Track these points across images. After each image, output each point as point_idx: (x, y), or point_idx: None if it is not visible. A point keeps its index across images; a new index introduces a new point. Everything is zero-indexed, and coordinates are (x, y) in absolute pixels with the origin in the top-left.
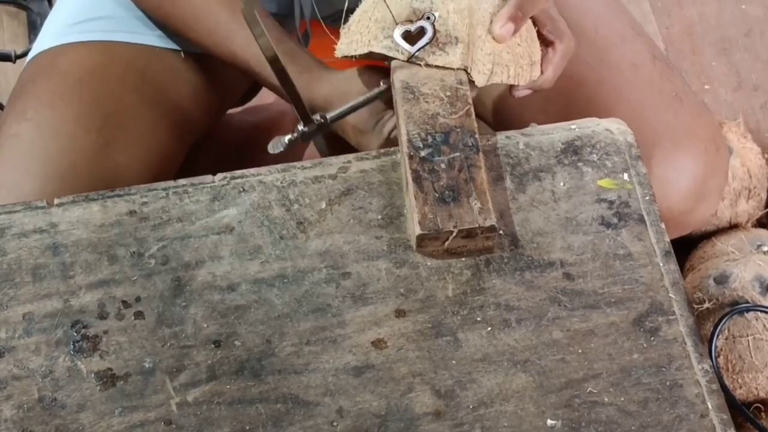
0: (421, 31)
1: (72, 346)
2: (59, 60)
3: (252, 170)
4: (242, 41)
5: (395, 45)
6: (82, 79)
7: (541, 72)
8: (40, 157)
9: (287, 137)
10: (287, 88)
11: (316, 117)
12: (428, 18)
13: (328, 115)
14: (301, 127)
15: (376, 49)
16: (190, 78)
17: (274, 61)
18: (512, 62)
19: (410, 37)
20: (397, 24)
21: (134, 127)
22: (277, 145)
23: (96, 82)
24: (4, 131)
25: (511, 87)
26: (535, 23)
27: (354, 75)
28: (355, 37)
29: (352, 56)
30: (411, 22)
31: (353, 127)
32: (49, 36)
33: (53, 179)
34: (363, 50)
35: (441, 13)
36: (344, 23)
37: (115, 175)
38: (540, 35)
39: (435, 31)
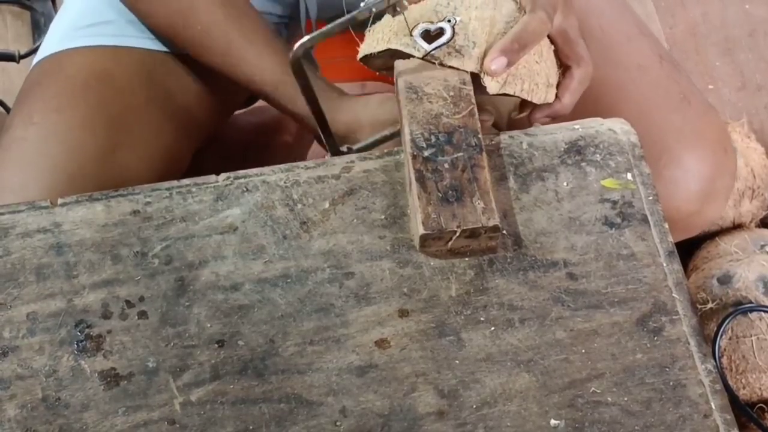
0: (441, 32)
1: (76, 345)
2: (66, 64)
3: (255, 170)
4: (255, 64)
5: (413, 42)
6: (88, 83)
7: (558, 98)
8: (46, 161)
9: None
10: (321, 125)
11: (344, 148)
12: (449, 21)
13: (355, 147)
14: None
15: (394, 45)
16: (196, 81)
17: (313, 104)
18: (527, 77)
19: (429, 38)
20: (417, 23)
21: (141, 130)
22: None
23: (103, 86)
24: (10, 135)
25: (530, 114)
26: (554, 45)
27: (372, 102)
28: (377, 36)
29: (371, 56)
30: (432, 23)
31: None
32: (56, 39)
33: (60, 183)
34: (382, 47)
35: (462, 18)
36: (370, 24)
37: (121, 178)
38: (557, 58)
39: (454, 33)
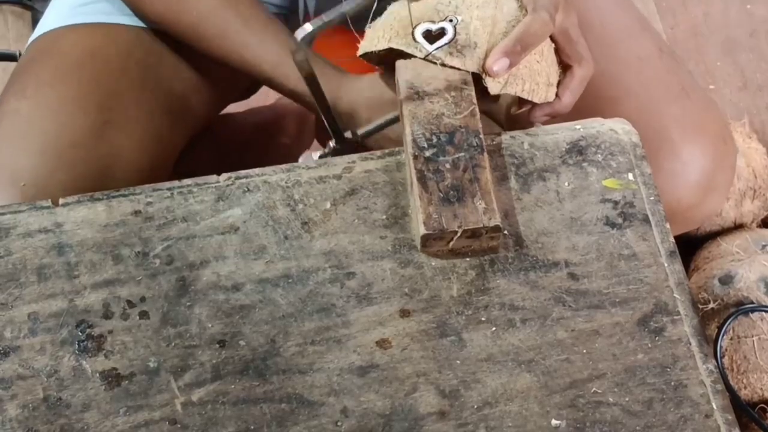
0: (442, 32)
1: (77, 345)
2: (60, 41)
3: (257, 170)
4: (253, 47)
5: (414, 42)
6: (82, 60)
7: (559, 96)
8: (38, 134)
9: (318, 153)
10: (323, 109)
11: (348, 134)
12: (451, 20)
13: (359, 132)
14: (332, 144)
15: (395, 45)
16: (192, 65)
17: (317, 93)
18: (528, 77)
19: (431, 37)
20: (419, 23)
21: (134, 109)
22: (308, 161)
23: (96, 63)
24: (3, 109)
25: (529, 112)
26: (555, 44)
27: (377, 80)
28: (378, 34)
29: (371, 52)
30: (433, 22)
31: (390, 140)
32: (52, 18)
33: (51, 156)
34: (383, 46)
35: (464, 18)
36: (370, 20)
37: (113, 155)
38: (558, 57)
39: (455, 33)
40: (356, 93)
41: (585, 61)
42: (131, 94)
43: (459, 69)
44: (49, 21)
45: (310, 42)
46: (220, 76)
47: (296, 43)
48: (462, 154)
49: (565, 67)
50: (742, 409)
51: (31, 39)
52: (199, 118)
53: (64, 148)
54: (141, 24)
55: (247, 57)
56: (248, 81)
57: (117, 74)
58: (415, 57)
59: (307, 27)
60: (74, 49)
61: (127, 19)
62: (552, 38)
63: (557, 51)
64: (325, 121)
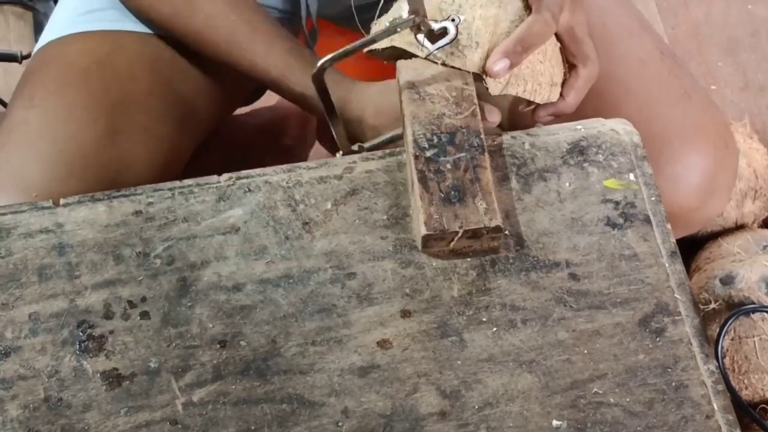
0: (444, 32)
1: (78, 346)
2: (67, 49)
3: (257, 170)
4: (261, 50)
5: (416, 42)
6: (89, 67)
7: (563, 96)
8: (47, 143)
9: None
10: (333, 123)
11: (355, 146)
12: (453, 20)
13: (366, 145)
14: (339, 156)
15: (398, 44)
16: (199, 71)
17: (329, 108)
18: (530, 78)
19: (433, 37)
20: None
21: (142, 117)
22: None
23: (104, 71)
24: (11, 118)
25: (533, 112)
26: (560, 42)
27: (387, 88)
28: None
29: (377, 50)
30: (436, 21)
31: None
32: (57, 26)
33: (60, 165)
34: (386, 44)
35: (466, 17)
36: (377, 17)
37: (122, 163)
38: (564, 56)
39: (457, 33)
40: (366, 99)
41: (590, 61)
42: (140, 101)
43: (459, 69)
44: (54, 29)
45: (329, 66)
46: (227, 82)
47: (317, 68)
48: (463, 154)
49: (570, 66)
50: (743, 409)
51: (36, 47)
52: (206, 124)
53: (74, 156)
54: (148, 30)
55: (255, 62)
56: (254, 85)
57: (125, 81)
58: (417, 56)
59: (328, 57)
60: (81, 56)
61: (133, 26)
62: (558, 37)
63: (563, 50)
64: (334, 133)
